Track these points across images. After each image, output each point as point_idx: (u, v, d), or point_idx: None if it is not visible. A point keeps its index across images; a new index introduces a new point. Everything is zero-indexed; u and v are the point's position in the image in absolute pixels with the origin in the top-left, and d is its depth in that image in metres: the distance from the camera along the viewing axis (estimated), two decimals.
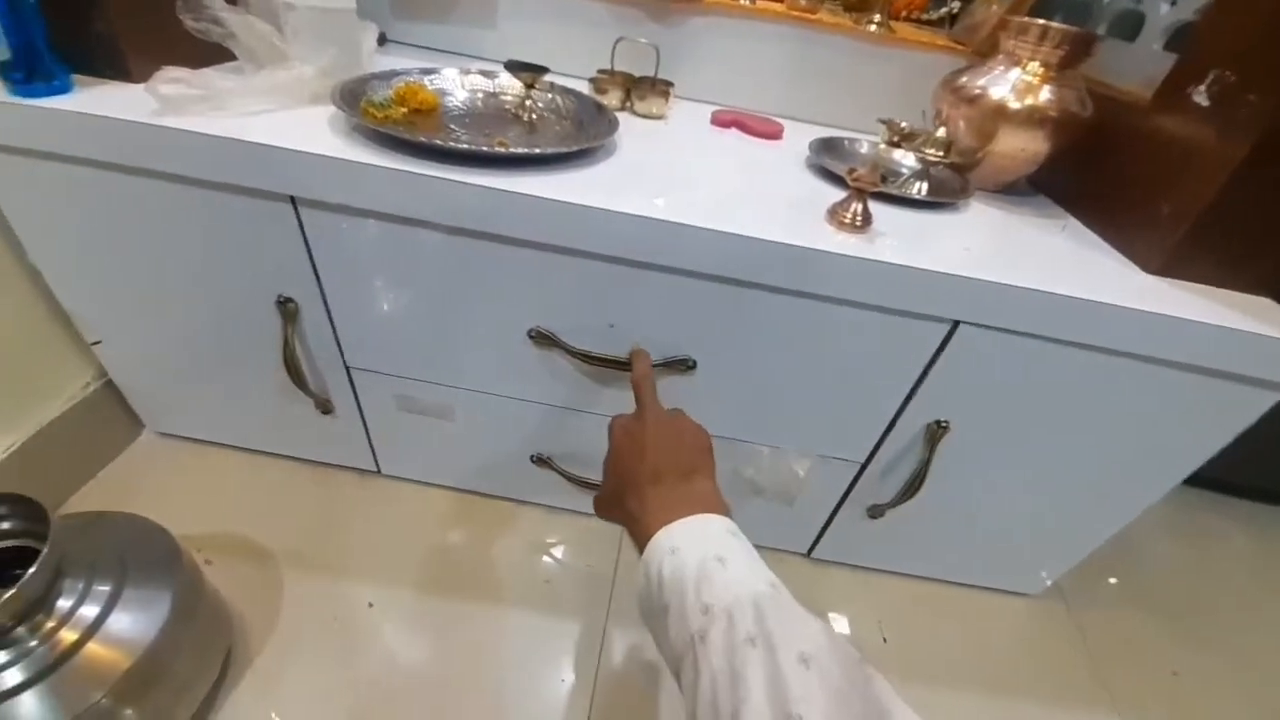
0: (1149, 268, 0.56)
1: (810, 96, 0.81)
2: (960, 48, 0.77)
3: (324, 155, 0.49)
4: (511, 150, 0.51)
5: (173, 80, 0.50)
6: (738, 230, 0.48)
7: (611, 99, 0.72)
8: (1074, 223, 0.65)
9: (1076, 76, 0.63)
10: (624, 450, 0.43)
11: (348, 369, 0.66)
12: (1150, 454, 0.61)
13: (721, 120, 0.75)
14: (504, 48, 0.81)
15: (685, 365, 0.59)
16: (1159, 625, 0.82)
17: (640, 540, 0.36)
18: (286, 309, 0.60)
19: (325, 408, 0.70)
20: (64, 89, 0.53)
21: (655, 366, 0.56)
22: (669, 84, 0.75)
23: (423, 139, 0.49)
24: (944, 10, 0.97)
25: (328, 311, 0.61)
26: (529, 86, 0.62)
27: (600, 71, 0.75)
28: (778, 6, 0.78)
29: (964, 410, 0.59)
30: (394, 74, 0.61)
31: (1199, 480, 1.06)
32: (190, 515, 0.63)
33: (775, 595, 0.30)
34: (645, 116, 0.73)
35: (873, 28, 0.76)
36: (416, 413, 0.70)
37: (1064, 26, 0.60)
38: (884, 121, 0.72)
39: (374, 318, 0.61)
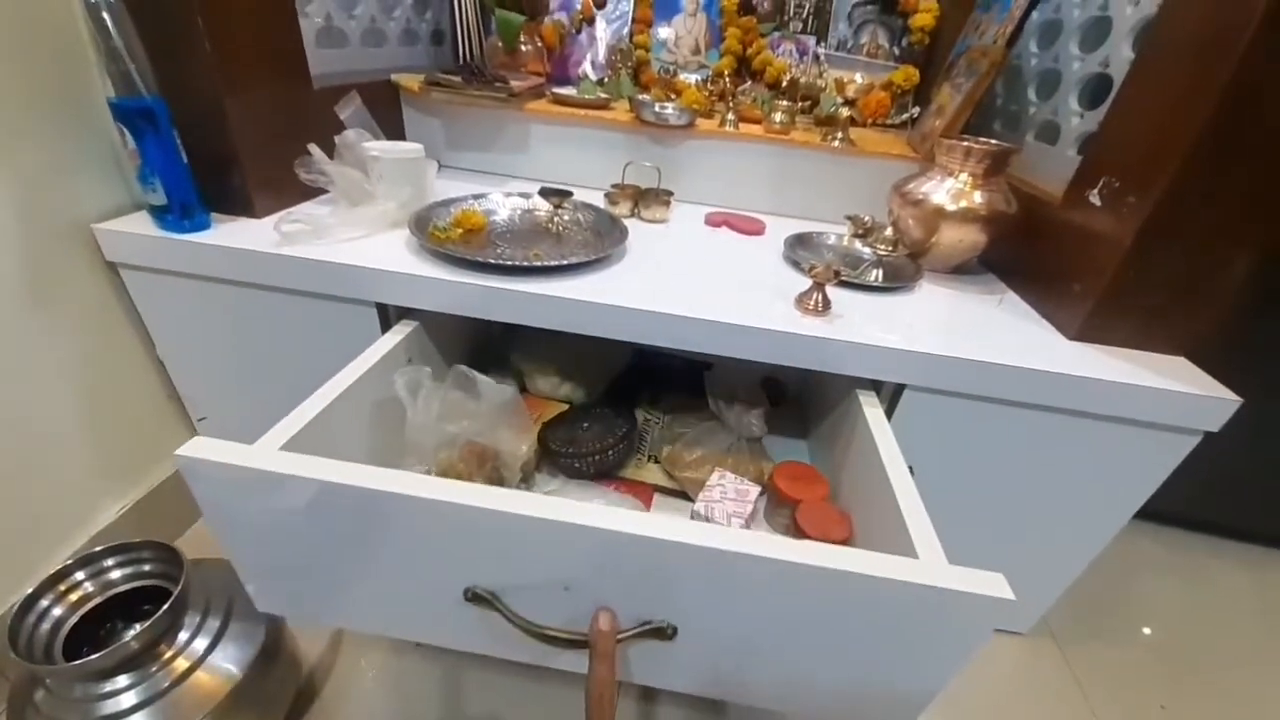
0: (1069, 335, 0.67)
1: (788, 197, 0.96)
2: (912, 155, 0.92)
3: (401, 272, 0.64)
4: (544, 263, 0.65)
5: (291, 221, 0.66)
6: (722, 319, 0.61)
7: (623, 208, 0.88)
8: (1012, 296, 0.77)
9: (1001, 180, 0.76)
10: None
11: None
12: (1093, 494, 0.69)
13: (713, 221, 0.91)
14: (535, 168, 0.99)
15: (664, 633, 0.43)
16: (1149, 662, 0.86)
17: None
18: None
19: None
20: (204, 226, 0.70)
21: (625, 636, 0.42)
22: (670, 193, 0.91)
23: (477, 257, 0.64)
24: (905, 115, 1.15)
25: None
26: (557, 206, 0.78)
27: (614, 186, 0.92)
28: (757, 129, 0.95)
29: (922, 458, 0.68)
30: (452, 201, 0.78)
31: (1194, 523, 1.12)
32: None
33: None
34: (651, 221, 0.88)
35: (836, 143, 0.91)
36: None
37: (985, 145, 0.74)
38: (850, 218, 0.87)
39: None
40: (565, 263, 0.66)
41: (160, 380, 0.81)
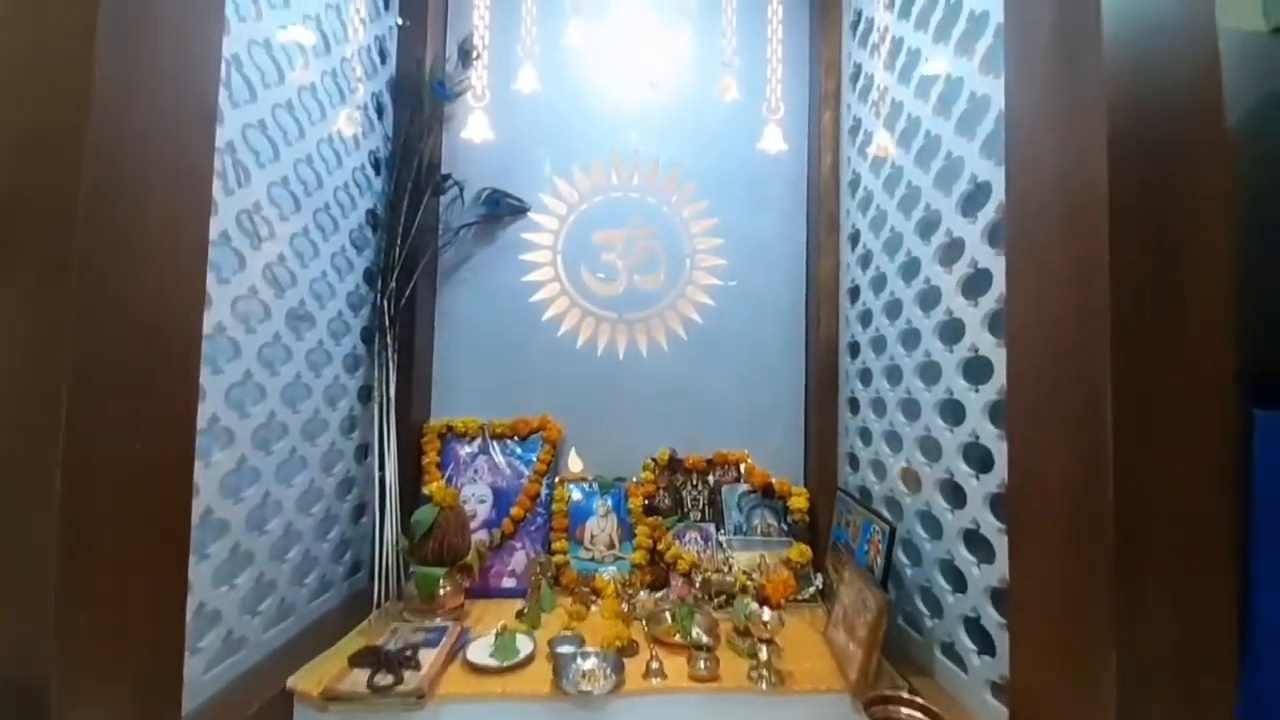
0: None
1: None
2: (839, 687, 0.92)
3: None
4: None
5: None
6: None
7: None
8: None
9: None
10: None
11: None
12: None
13: None
14: None
15: None
16: None
17: None
18: None
19: None
20: None
21: None
22: None
23: None
24: (811, 589, 1.22)
25: None
26: None
27: None
28: (684, 677, 0.93)
29: None
30: None
31: None
32: None
33: None
34: None
35: (764, 686, 0.91)
36: None
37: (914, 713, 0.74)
38: None
39: None
40: None
41: None
